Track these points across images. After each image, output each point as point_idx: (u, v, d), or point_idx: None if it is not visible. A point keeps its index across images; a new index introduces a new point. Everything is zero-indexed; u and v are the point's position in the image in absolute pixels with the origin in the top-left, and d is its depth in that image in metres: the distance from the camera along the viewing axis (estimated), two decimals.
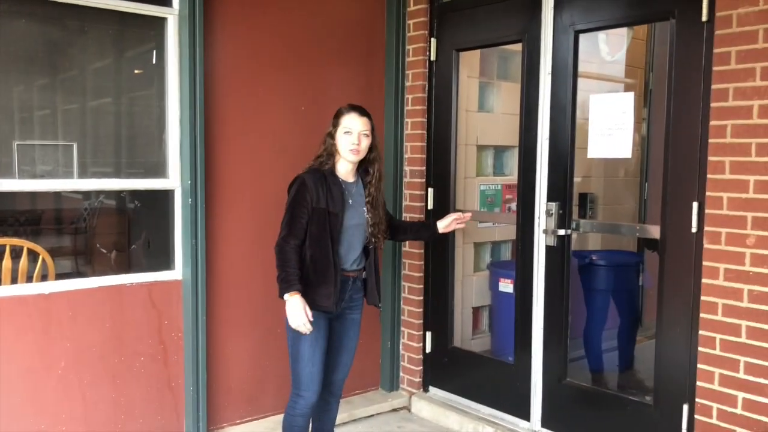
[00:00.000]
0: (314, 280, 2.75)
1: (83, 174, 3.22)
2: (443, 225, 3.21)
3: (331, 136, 2.82)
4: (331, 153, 2.82)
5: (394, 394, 4.14)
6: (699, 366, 2.82)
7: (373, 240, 2.90)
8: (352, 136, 2.78)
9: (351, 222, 2.81)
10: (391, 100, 4.02)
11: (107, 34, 3.27)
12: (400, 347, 4.17)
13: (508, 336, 3.75)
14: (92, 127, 3.37)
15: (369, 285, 2.95)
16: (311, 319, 2.66)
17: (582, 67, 3.33)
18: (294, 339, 2.79)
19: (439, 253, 3.98)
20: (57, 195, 4.81)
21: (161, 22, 3.24)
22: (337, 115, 2.84)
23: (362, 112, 2.84)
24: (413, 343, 4.09)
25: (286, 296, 2.66)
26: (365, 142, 2.81)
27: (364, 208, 2.87)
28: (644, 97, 4.89)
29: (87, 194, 4.87)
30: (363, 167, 2.92)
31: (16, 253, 3.22)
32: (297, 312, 2.63)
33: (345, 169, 2.86)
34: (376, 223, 2.89)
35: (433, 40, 3.91)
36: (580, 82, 3.31)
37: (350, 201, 2.83)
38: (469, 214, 3.32)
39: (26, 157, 3.08)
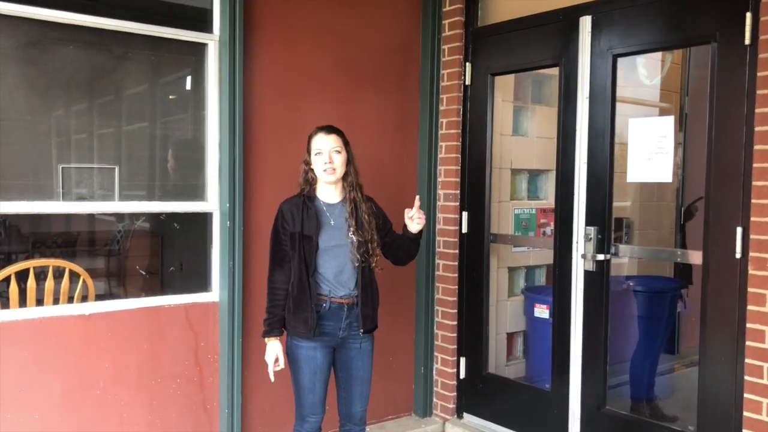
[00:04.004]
0: (293, 306, 2.75)
1: (124, 197, 3.27)
2: (408, 225, 2.82)
3: (307, 162, 2.82)
4: (307, 179, 2.83)
5: (427, 420, 4.09)
6: (746, 395, 2.75)
7: (362, 260, 2.78)
8: (323, 156, 2.76)
9: (330, 243, 2.75)
10: (425, 124, 4.04)
11: (150, 59, 3.34)
12: (434, 372, 4.13)
13: (544, 362, 3.70)
14: (133, 150, 3.44)
15: (358, 307, 2.81)
16: (278, 367, 2.79)
17: (618, 91, 3.31)
18: (294, 370, 2.81)
19: (473, 278, 3.95)
20: (93, 217, 4.90)
21: (202, 47, 3.31)
22: (308, 140, 2.83)
23: (330, 129, 2.82)
24: (447, 368, 4.05)
25: (265, 340, 2.80)
26: (338, 159, 2.77)
27: (350, 229, 2.79)
28: (680, 122, 4.85)
29: (121, 216, 4.95)
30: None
31: (58, 274, 3.27)
32: (269, 359, 2.78)
33: (326, 190, 2.83)
34: (364, 242, 2.78)
35: (468, 65, 3.93)
36: (617, 105, 3.29)
37: (332, 222, 2.79)
38: (416, 202, 2.83)
39: (70, 180, 3.14)
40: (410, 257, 3.01)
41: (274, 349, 2.77)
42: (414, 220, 2.80)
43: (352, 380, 2.90)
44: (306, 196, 2.80)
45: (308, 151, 2.82)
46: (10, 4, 2.79)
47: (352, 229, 2.79)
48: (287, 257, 2.75)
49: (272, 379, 2.78)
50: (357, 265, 2.78)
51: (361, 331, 2.82)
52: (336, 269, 2.77)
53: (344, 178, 2.83)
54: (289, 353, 2.81)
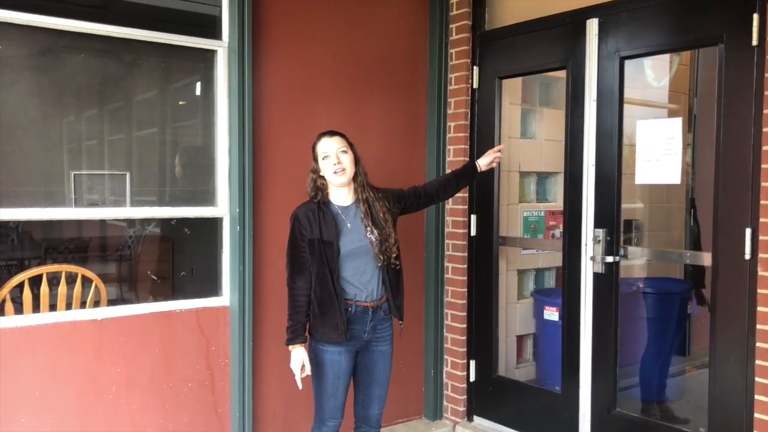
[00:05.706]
0: (320, 313, 2.73)
1: (135, 202, 3.30)
2: (486, 162, 3.20)
3: (314, 170, 2.83)
4: (317, 186, 2.82)
5: (437, 423, 4.10)
6: (756, 397, 2.74)
7: (383, 258, 2.78)
8: (331, 158, 2.77)
9: (351, 246, 2.75)
10: (433, 127, 4.05)
11: (159, 66, 3.37)
12: (444, 376, 4.13)
13: (554, 365, 3.69)
14: (144, 156, 3.47)
15: (389, 302, 2.85)
16: (305, 374, 2.73)
17: (626, 93, 3.31)
18: (317, 375, 2.80)
19: (483, 281, 3.95)
20: (105, 223, 4.95)
21: (211, 54, 3.34)
22: (313, 149, 2.84)
23: (332, 133, 2.84)
24: (457, 371, 4.05)
25: (289, 347, 2.75)
26: (346, 159, 2.78)
27: (367, 229, 2.80)
28: (689, 123, 4.83)
29: (132, 222, 4.99)
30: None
31: (70, 280, 3.30)
32: (295, 366, 2.73)
33: (339, 194, 2.83)
34: (383, 240, 2.78)
35: (475, 68, 3.94)
36: (624, 107, 3.29)
37: (349, 225, 2.79)
38: (501, 146, 3.42)
39: (81, 187, 3.17)
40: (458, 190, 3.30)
41: (299, 357, 2.73)
42: (495, 161, 3.23)
43: (373, 382, 2.91)
44: (320, 201, 2.81)
45: (314, 159, 2.83)
46: (22, 14, 2.83)
47: (369, 229, 2.80)
48: (306, 263, 2.74)
49: (300, 386, 2.74)
50: (380, 265, 2.79)
51: (401, 322, 2.89)
52: (358, 270, 2.77)
53: (354, 179, 2.84)
54: (313, 357, 2.79)
